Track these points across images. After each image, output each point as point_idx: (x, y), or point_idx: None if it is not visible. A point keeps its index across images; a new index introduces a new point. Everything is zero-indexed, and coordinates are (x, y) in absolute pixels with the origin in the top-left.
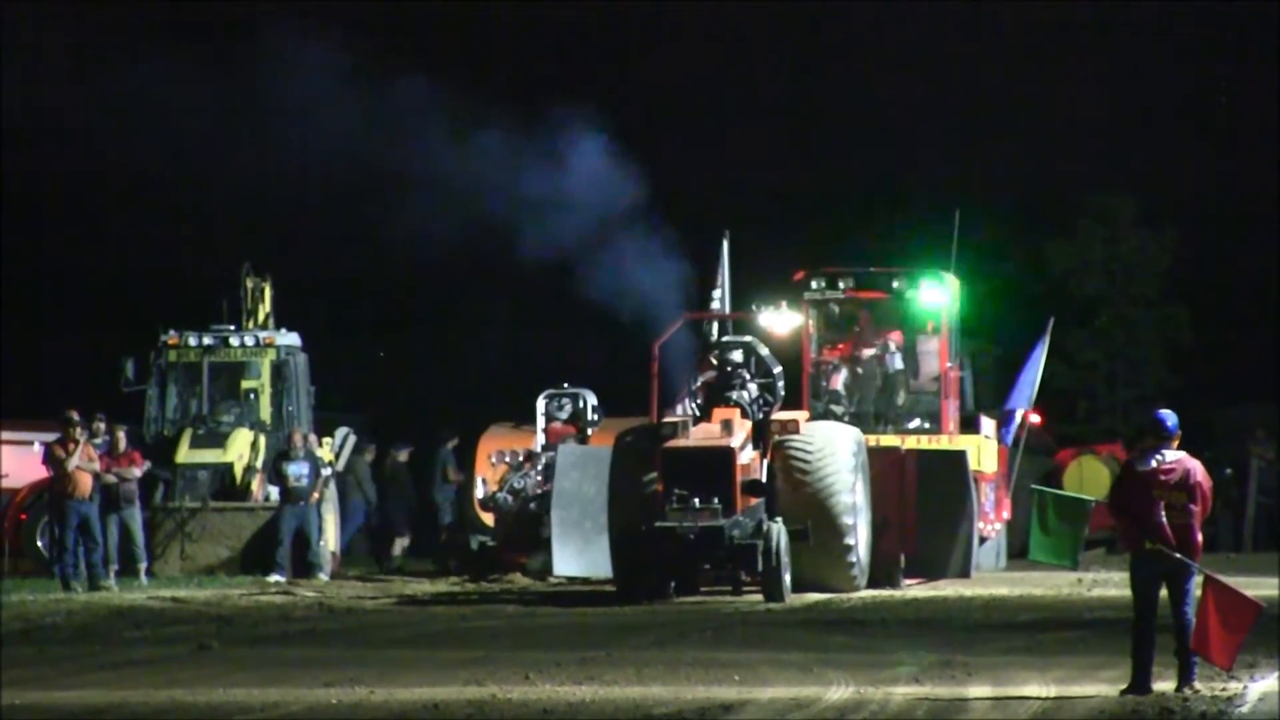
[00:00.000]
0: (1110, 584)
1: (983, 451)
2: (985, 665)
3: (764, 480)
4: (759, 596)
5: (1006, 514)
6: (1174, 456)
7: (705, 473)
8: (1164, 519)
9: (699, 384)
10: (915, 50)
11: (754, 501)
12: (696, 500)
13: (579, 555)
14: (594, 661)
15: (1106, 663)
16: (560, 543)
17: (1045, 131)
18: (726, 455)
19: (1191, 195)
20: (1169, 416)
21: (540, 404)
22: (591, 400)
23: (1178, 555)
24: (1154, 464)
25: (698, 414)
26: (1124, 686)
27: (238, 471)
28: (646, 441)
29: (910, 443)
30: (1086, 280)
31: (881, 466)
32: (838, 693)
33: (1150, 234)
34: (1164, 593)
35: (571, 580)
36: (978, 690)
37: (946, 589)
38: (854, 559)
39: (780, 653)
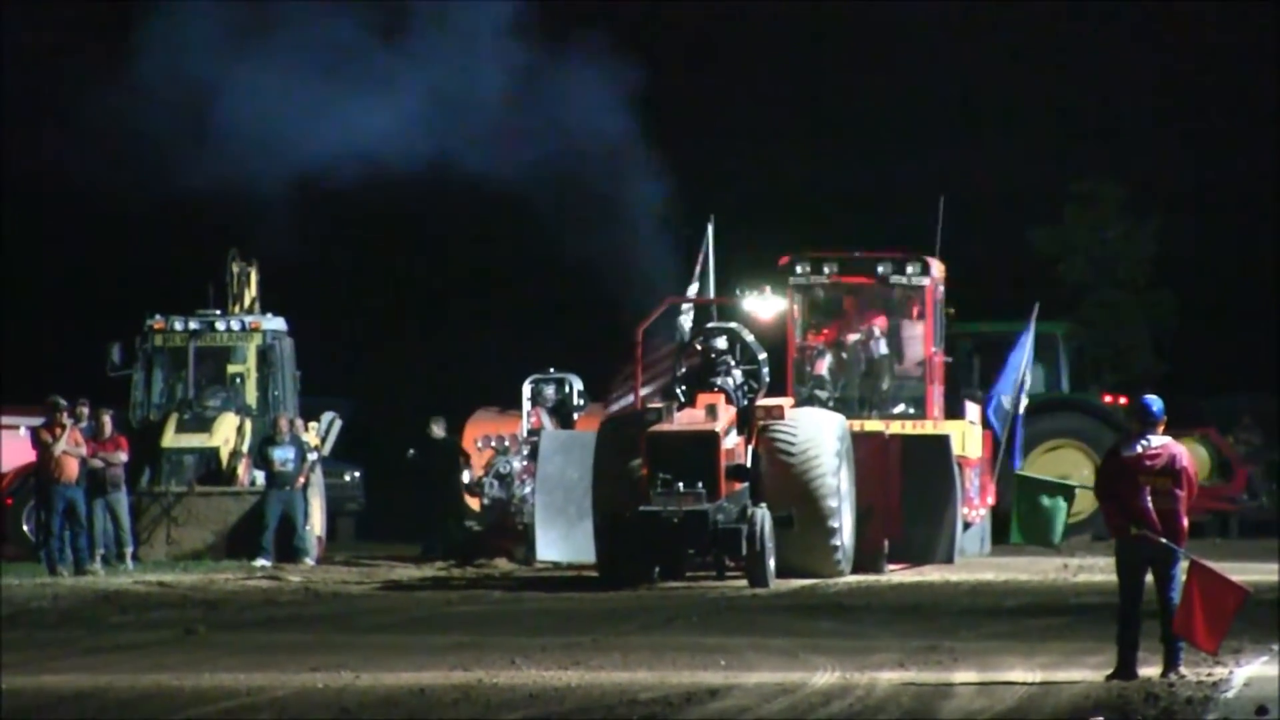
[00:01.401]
0: (1096, 569)
1: (967, 437)
2: (970, 650)
3: (749, 466)
4: (744, 582)
5: (991, 499)
6: (1159, 442)
7: (690, 457)
8: (1149, 504)
9: (683, 370)
10: (901, 36)
11: (738, 487)
12: (681, 485)
13: (563, 540)
14: (580, 647)
15: (1092, 648)
16: (544, 528)
17: (1031, 117)
18: (711, 440)
19: (1178, 181)
20: (1154, 402)
21: (526, 389)
22: (578, 385)
23: (1163, 540)
24: (1139, 449)
25: (682, 400)
26: (1109, 672)
27: (223, 456)
28: (631, 426)
29: (895, 428)
30: (1072, 266)
31: (866, 452)
32: (823, 678)
33: (1137, 220)
34: (1150, 578)
35: (556, 566)
36: (963, 675)
37: (931, 574)
38: (838, 544)
39: (765, 638)
